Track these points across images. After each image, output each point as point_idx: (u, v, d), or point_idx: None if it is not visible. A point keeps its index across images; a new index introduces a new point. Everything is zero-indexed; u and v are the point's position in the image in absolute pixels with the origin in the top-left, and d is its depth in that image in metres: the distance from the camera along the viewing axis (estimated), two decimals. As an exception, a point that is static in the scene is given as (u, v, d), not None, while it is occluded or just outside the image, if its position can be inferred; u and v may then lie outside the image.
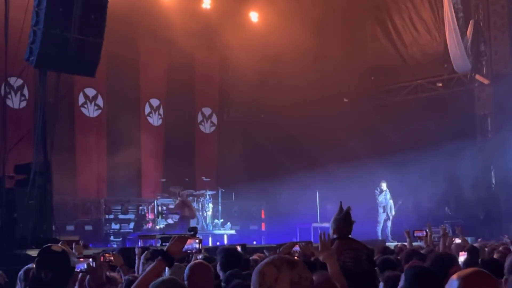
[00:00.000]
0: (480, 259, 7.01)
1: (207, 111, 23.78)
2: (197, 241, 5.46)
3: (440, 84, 21.94)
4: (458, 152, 19.33)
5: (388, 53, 22.39)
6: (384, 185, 19.59)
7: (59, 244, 4.19)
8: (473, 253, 8.03)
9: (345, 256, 6.31)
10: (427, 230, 9.00)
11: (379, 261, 6.54)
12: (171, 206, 19.34)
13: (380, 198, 19.54)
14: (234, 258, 6.15)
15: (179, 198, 18.73)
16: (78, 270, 4.69)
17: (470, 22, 20.57)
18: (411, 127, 20.38)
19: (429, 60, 21.78)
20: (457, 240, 9.60)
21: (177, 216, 19.19)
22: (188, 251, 5.41)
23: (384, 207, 19.50)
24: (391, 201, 19.61)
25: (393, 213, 19.61)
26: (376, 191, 19.57)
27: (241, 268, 5.92)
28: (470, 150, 20.13)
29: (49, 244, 4.01)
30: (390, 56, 22.36)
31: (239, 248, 8.02)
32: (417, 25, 21.71)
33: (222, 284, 5.33)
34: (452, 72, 20.97)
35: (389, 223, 19.51)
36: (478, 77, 20.79)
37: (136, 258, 7.25)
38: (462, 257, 7.81)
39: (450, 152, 19.16)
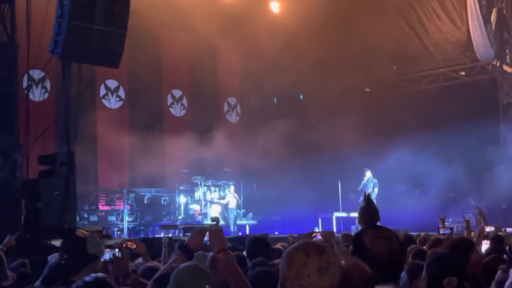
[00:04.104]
0: (508, 247, 6.89)
1: (232, 100, 23.83)
2: None
3: (463, 73, 21.76)
4: (482, 141, 19.18)
5: (410, 42, 22.22)
6: (367, 173, 19.30)
7: (86, 231, 4.21)
8: (497, 241, 7.94)
9: (377, 245, 6.22)
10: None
11: (412, 252, 6.41)
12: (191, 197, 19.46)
13: (360, 187, 19.20)
14: (262, 247, 6.11)
15: (228, 191, 19.55)
16: (102, 260, 4.71)
17: (493, 9, 20.34)
18: (433, 116, 20.27)
19: (452, 48, 21.59)
20: (488, 228, 9.42)
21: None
22: (208, 243, 5.39)
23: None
24: (375, 190, 18.98)
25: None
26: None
27: (268, 257, 5.88)
28: (494, 139, 19.97)
29: (74, 229, 4.05)
30: (412, 45, 22.18)
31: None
32: (440, 13, 21.50)
33: (248, 272, 5.32)
34: (475, 60, 20.78)
35: None
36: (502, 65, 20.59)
37: (163, 247, 7.29)
38: (485, 245, 7.71)
39: (473, 141, 19.01)
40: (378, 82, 22.58)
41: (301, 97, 24.31)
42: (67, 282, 3.77)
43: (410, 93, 22.15)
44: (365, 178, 19.21)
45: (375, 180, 19.21)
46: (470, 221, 11.91)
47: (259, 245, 6.13)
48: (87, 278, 2.87)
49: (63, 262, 3.83)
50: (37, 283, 5.30)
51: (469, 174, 19.51)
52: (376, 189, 19.04)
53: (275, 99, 24.52)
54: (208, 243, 5.25)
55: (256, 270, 4.91)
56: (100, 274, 2.96)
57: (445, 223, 17.34)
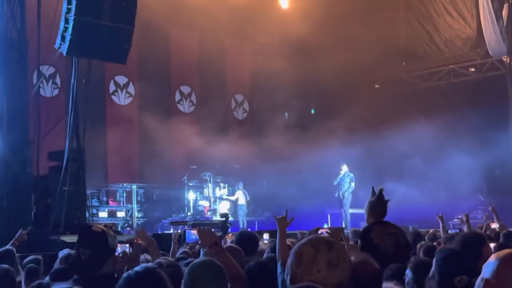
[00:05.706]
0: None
1: (239, 97, 23.82)
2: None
3: (473, 69, 21.66)
4: (492, 138, 19.10)
5: (420, 38, 22.16)
6: (343, 167, 18.85)
7: (101, 226, 4.24)
8: (508, 238, 7.87)
9: (385, 242, 6.19)
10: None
11: (423, 249, 6.36)
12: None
13: (336, 181, 18.89)
14: (249, 243, 6.03)
15: (238, 187, 19.65)
16: (116, 254, 4.71)
17: (505, 5, 20.21)
18: (443, 112, 20.17)
19: (462, 45, 21.50)
20: (494, 225, 9.34)
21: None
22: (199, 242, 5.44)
23: (339, 192, 18.67)
24: (352, 185, 18.59)
25: (344, 197, 18.49)
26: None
27: (255, 252, 5.88)
28: (504, 136, 19.87)
29: (90, 224, 4.08)
30: (422, 41, 22.12)
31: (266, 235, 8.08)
32: (450, 10, 21.42)
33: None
34: (485, 57, 20.68)
35: (345, 209, 18.44)
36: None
37: (172, 243, 7.29)
38: (492, 244, 7.63)
39: (483, 138, 18.94)
40: (387, 78, 22.50)
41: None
42: (85, 276, 3.79)
43: (420, 89, 22.09)
44: (341, 173, 18.84)
45: (352, 175, 18.84)
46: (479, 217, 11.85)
47: (245, 240, 6.08)
48: (137, 268, 2.92)
49: (83, 257, 3.84)
50: (46, 279, 5.31)
51: (478, 171, 19.42)
52: (353, 184, 18.61)
53: (282, 97, 24.54)
54: (199, 241, 5.26)
55: (252, 262, 4.89)
56: (149, 264, 3.00)
57: (454, 220, 17.40)
